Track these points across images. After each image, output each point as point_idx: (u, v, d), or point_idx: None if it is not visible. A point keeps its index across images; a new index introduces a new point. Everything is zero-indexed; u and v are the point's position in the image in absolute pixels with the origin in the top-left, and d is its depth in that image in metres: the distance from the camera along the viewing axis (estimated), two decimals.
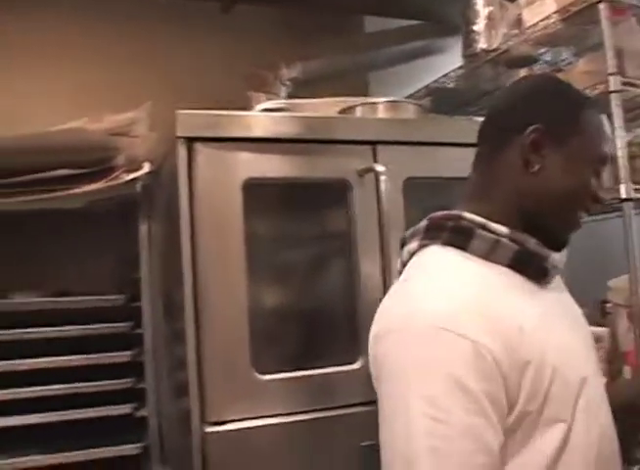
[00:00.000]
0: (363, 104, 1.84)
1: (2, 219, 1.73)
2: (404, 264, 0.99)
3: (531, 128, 0.96)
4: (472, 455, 0.79)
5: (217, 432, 1.44)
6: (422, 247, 0.96)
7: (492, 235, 0.93)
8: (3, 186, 1.64)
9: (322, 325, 1.71)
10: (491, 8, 2.10)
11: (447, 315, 0.84)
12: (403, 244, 1.01)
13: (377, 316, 0.92)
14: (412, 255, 0.98)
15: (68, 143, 1.70)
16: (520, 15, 2.02)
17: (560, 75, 1.99)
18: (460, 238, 0.94)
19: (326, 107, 1.89)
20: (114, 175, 1.71)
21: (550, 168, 0.96)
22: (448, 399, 0.80)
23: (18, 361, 1.74)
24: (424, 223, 0.98)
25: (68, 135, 1.73)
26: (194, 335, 1.47)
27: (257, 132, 1.60)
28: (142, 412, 1.80)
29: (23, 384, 1.73)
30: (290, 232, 1.77)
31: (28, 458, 1.74)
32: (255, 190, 1.58)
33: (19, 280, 1.90)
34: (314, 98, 1.93)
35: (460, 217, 0.95)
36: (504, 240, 0.93)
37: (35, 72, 2.17)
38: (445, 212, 0.97)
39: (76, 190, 1.67)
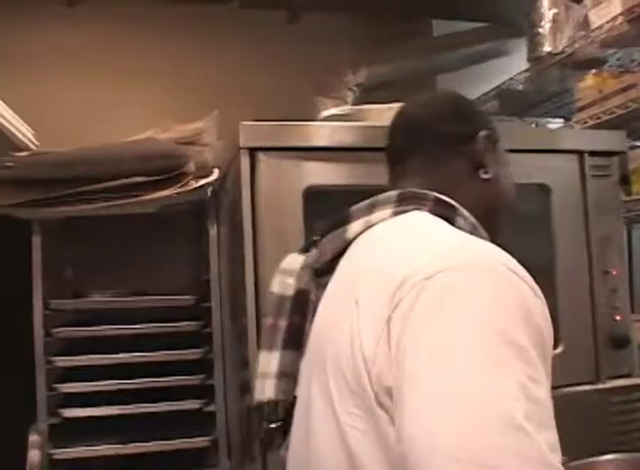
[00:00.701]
0: None
1: (83, 224, 1.85)
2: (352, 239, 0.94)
3: (482, 134, 1.00)
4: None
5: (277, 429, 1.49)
6: (397, 213, 0.92)
7: (472, 219, 0.93)
8: (83, 193, 1.75)
9: None
10: (556, 10, 2.09)
11: (506, 258, 0.78)
12: (343, 222, 0.98)
13: (396, 262, 0.80)
14: (373, 224, 0.93)
15: (141, 152, 1.80)
16: (586, 16, 2.01)
17: (629, 77, 1.98)
18: (447, 211, 0.92)
19: (391, 112, 1.92)
20: (184, 182, 1.80)
21: (494, 173, 1.00)
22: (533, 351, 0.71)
23: (97, 356, 1.85)
24: (393, 193, 0.95)
25: (140, 145, 1.84)
26: (255, 338, 1.54)
27: (318, 141, 1.65)
28: (210, 408, 1.89)
29: (102, 377, 1.85)
30: None
31: (106, 447, 1.85)
32: (316, 198, 1.64)
33: (98, 280, 2.04)
34: (381, 103, 1.97)
35: (436, 196, 0.93)
36: (480, 228, 0.93)
37: (111, 84, 2.30)
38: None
39: (149, 196, 1.77)
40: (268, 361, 0.99)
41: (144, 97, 2.32)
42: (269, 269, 1.56)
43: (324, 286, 0.97)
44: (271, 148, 1.60)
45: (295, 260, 1.06)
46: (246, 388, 1.58)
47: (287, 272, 1.04)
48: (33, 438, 1.79)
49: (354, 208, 0.98)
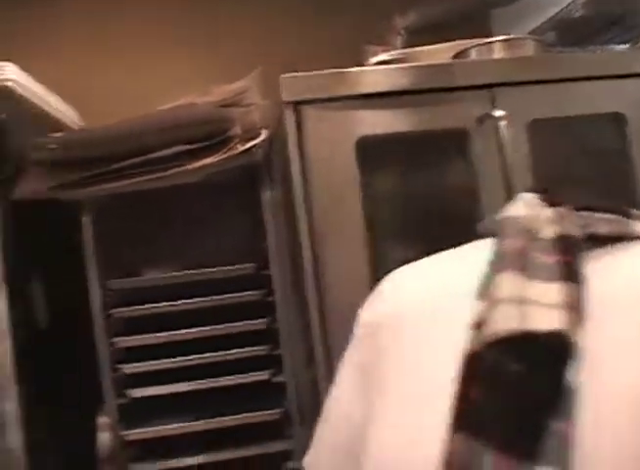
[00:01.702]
0: (478, 45, 1.73)
1: (130, 200, 1.79)
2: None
3: None
4: None
5: None
6: None
7: None
8: (126, 169, 1.69)
9: None
10: None
11: None
12: (622, 212, 0.80)
13: None
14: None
15: (182, 119, 1.72)
16: None
17: None
18: None
19: (442, 53, 1.81)
20: (230, 146, 1.72)
21: None
22: None
23: (160, 334, 1.81)
24: None
25: (181, 112, 1.76)
26: (316, 300, 1.46)
27: (365, 88, 1.55)
28: (279, 378, 1.83)
29: (166, 355, 1.80)
30: (408, 188, 1.71)
31: (178, 425, 1.82)
32: (369, 148, 1.54)
33: (153, 257, 1.99)
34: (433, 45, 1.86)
35: None
36: None
37: (150, 54, 2.24)
38: None
39: (194, 165, 1.69)
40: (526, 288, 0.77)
41: (183, 63, 2.24)
42: (325, 229, 1.49)
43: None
44: (317, 100, 1.51)
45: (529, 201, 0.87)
46: (312, 357, 1.52)
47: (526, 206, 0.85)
48: (102, 420, 1.76)
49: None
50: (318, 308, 1.45)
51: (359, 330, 0.84)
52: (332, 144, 1.51)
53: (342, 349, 1.42)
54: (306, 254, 1.48)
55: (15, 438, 1.81)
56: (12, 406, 1.79)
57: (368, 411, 0.76)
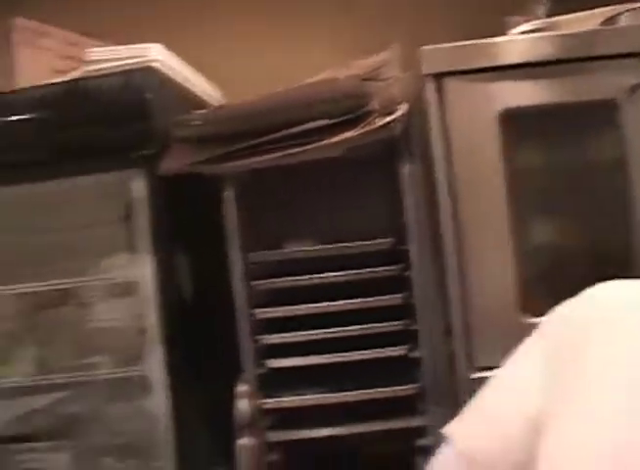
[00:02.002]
0: (628, 11, 1.63)
1: (271, 174, 1.83)
2: None
3: None
4: None
5: (484, 378, 1.39)
6: None
7: None
8: (267, 144, 1.72)
9: (593, 262, 1.58)
10: None
11: None
12: None
13: None
14: None
15: (321, 94, 1.73)
16: None
17: None
18: None
19: (589, 20, 1.72)
20: (368, 121, 1.71)
21: None
22: None
23: (300, 306, 1.84)
24: None
25: (319, 86, 1.77)
26: (457, 276, 1.44)
27: (509, 59, 1.50)
28: (415, 354, 1.82)
29: (304, 328, 1.83)
30: (553, 162, 1.64)
31: (315, 396, 1.85)
32: (513, 121, 1.49)
33: (292, 231, 2.02)
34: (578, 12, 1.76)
35: None
36: None
37: (288, 30, 2.25)
38: None
39: (334, 139, 1.69)
40: None
41: (322, 38, 2.25)
42: (466, 204, 1.46)
43: None
44: (458, 72, 1.48)
45: None
46: (450, 333, 1.50)
47: None
48: (241, 388, 1.81)
49: None
50: (459, 285, 1.42)
51: (557, 325, 0.81)
52: (474, 117, 1.47)
53: (482, 326, 1.40)
54: (447, 230, 1.46)
55: (160, 402, 1.90)
56: (158, 372, 1.89)
57: (549, 408, 0.75)
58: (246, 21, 2.40)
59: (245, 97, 1.92)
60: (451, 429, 0.88)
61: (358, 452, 2.15)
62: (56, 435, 2.18)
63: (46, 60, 2.26)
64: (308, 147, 1.69)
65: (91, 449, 2.17)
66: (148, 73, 1.90)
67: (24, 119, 1.97)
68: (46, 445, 2.13)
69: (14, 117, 1.98)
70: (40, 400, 2.23)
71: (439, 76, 1.47)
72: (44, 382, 2.17)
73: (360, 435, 1.88)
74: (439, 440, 0.90)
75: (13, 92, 2.04)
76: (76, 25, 2.34)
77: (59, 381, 2.16)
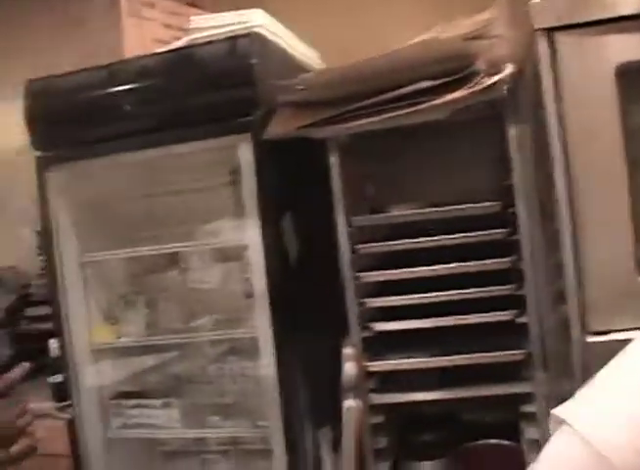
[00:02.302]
0: None
1: (377, 139, 1.82)
2: None
3: None
4: None
5: (599, 342, 1.36)
6: None
7: None
8: (370, 107, 1.70)
9: None
10: None
11: None
12: None
13: None
14: None
15: (425, 55, 1.70)
16: None
17: None
18: None
19: None
20: (475, 81, 1.67)
21: None
22: None
23: (404, 270, 1.83)
24: None
25: (423, 47, 1.73)
26: (570, 240, 1.39)
27: (625, 9, 1.41)
28: (523, 319, 1.78)
29: (409, 292, 1.83)
30: None
31: (420, 360, 1.84)
32: (630, 75, 1.42)
33: (397, 195, 2.01)
34: None
35: None
36: None
37: None
38: None
39: (439, 101, 1.66)
40: None
41: None
42: (579, 164, 1.40)
43: None
44: (571, 25, 1.41)
45: None
46: (562, 298, 1.46)
47: None
48: (347, 351, 1.83)
49: None
50: (572, 248, 1.38)
51: None
52: (588, 73, 1.40)
53: (596, 289, 1.36)
54: (560, 191, 1.41)
55: (267, 363, 1.94)
56: (265, 334, 1.92)
57: None
58: None
59: (342, 61, 1.92)
60: (570, 413, 0.80)
61: (460, 418, 2.16)
62: (165, 393, 2.27)
63: (150, 29, 2.31)
64: (414, 109, 1.67)
65: (199, 407, 2.25)
66: (252, 39, 1.91)
67: (133, 88, 2.03)
68: (157, 401, 2.22)
69: (123, 87, 2.04)
70: (150, 360, 2.33)
71: (551, 31, 1.41)
72: (154, 342, 2.26)
73: (463, 400, 1.87)
74: (547, 412, 0.85)
75: (121, 62, 2.09)
76: None
77: (168, 342, 2.25)
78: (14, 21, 3.02)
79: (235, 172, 1.97)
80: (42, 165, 2.13)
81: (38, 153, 2.15)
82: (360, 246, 1.84)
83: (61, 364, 2.14)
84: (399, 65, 1.74)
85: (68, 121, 2.08)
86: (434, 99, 1.69)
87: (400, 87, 1.69)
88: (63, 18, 2.70)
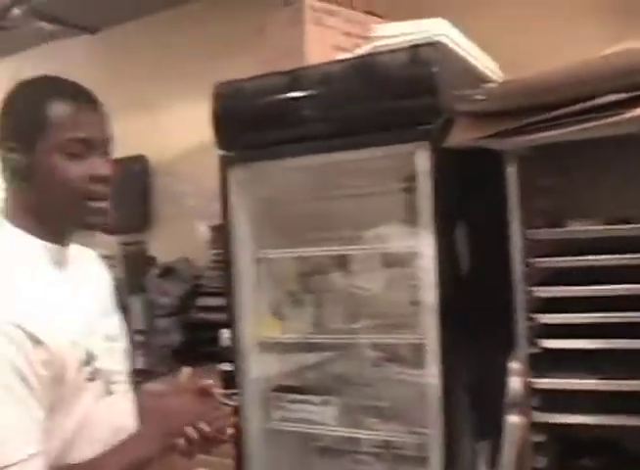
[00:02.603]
0: None
1: (558, 151, 1.78)
2: None
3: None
4: None
5: None
6: None
7: None
8: (555, 118, 1.67)
9: None
10: None
11: None
12: None
13: None
14: None
15: (617, 67, 1.64)
16: None
17: None
18: None
19: None
20: None
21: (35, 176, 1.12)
22: None
23: (580, 288, 1.78)
24: None
25: (615, 59, 1.68)
26: None
27: None
28: None
29: (583, 310, 1.77)
30: None
31: (588, 381, 1.78)
32: None
33: (576, 208, 1.95)
34: None
35: None
36: None
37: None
38: None
39: (629, 114, 1.60)
40: None
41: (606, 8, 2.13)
42: None
43: None
44: None
45: None
46: None
47: None
48: (514, 365, 1.80)
49: None
50: None
51: None
52: None
53: None
54: None
55: (431, 371, 1.95)
56: (432, 341, 1.93)
57: None
58: None
59: (521, 73, 1.89)
60: None
61: (622, 445, 2.06)
62: (324, 390, 2.32)
63: (331, 37, 2.37)
64: (602, 122, 1.62)
65: (356, 408, 2.29)
66: (434, 48, 1.93)
67: (315, 94, 2.10)
68: (316, 398, 2.28)
69: (305, 92, 2.11)
70: (313, 357, 2.39)
71: None
72: (317, 341, 2.32)
73: (629, 427, 1.79)
74: None
75: (304, 68, 2.17)
76: (358, 3, 2.44)
77: (331, 341, 2.31)
78: (197, 28, 3.20)
79: (410, 179, 1.99)
80: (225, 164, 2.24)
81: (222, 152, 2.27)
82: (535, 259, 1.81)
83: (230, 354, 2.24)
84: (589, 76, 1.69)
85: (252, 124, 2.18)
86: (622, 112, 1.63)
87: (589, 99, 1.65)
88: (244, 26, 2.83)
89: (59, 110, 1.12)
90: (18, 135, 1.13)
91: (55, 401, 1.09)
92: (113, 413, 1.20)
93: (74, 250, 1.26)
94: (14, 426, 1.03)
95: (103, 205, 1.17)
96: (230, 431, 1.27)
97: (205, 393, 1.29)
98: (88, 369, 1.13)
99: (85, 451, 1.14)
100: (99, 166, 1.15)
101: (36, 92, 1.16)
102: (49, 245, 1.16)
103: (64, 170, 1.12)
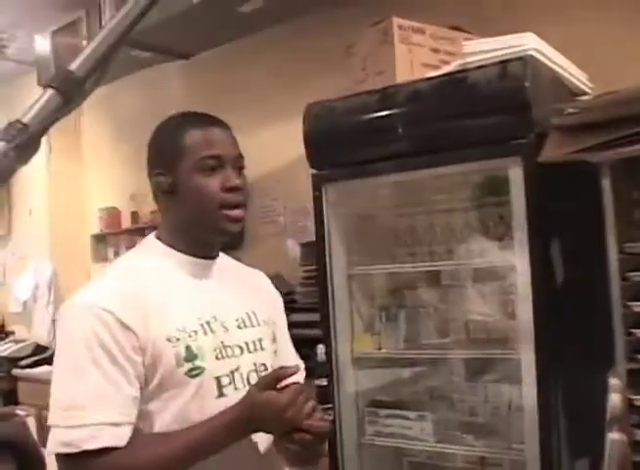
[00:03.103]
0: None
1: None
2: None
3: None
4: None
5: None
6: None
7: None
8: None
9: None
10: None
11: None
12: None
13: None
14: None
15: None
16: None
17: None
18: None
19: None
20: None
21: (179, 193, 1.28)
22: None
23: None
24: None
25: None
26: None
27: None
28: None
29: None
30: None
31: None
32: None
33: None
34: None
35: None
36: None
37: None
38: None
39: None
40: None
41: None
42: None
43: None
44: None
45: None
46: None
47: None
48: (614, 381, 1.77)
49: None
50: None
51: None
52: None
53: None
54: None
55: (529, 386, 1.93)
56: (528, 357, 1.91)
57: None
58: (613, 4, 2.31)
59: (611, 83, 1.87)
60: None
61: None
62: (419, 406, 2.33)
63: (419, 54, 2.40)
64: None
65: (451, 423, 2.28)
66: (525, 62, 1.93)
67: (405, 111, 2.12)
68: (411, 413, 2.28)
69: (396, 110, 2.14)
70: (406, 372, 2.41)
71: None
72: (411, 355, 2.34)
73: None
74: None
75: (395, 86, 2.20)
76: (444, 20, 2.46)
77: (424, 356, 2.32)
78: (284, 50, 3.28)
79: (503, 193, 1.99)
80: (318, 182, 2.30)
81: (313, 171, 2.32)
82: (633, 273, 1.78)
83: (325, 369, 2.27)
84: None
85: (344, 142, 2.23)
86: None
87: None
88: (332, 47, 2.88)
89: (193, 136, 1.28)
90: (162, 162, 1.30)
91: (155, 388, 1.19)
92: None
93: (236, 267, 1.45)
94: (95, 396, 1.14)
95: (237, 212, 1.28)
96: (325, 424, 1.25)
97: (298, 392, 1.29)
98: (189, 365, 1.21)
99: None
100: (231, 178, 1.28)
101: (174, 125, 1.33)
102: (190, 258, 1.30)
103: (200, 184, 1.26)
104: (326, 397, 2.25)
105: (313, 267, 2.48)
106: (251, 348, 1.34)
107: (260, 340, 1.36)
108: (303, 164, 2.36)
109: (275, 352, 1.42)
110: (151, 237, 1.35)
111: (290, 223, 3.37)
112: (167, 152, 1.29)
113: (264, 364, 1.35)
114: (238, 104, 3.40)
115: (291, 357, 1.47)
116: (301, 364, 1.49)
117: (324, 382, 2.24)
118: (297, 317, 2.98)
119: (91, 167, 4.61)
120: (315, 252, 2.35)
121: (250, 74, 3.47)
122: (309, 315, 2.74)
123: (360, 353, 2.33)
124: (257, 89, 3.44)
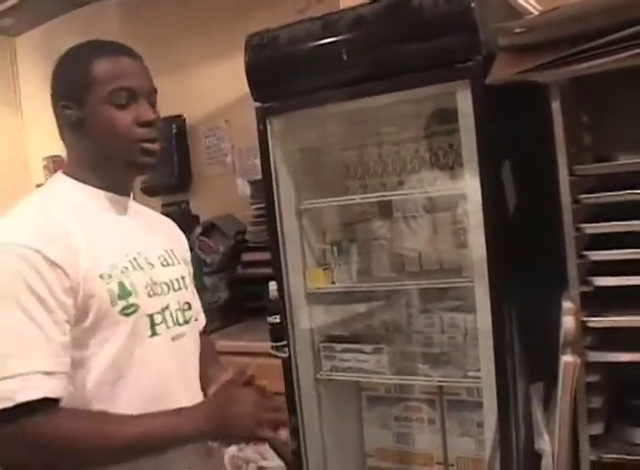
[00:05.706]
0: None
1: (600, 82, 1.72)
2: None
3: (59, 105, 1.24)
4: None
5: None
6: None
7: None
8: (595, 48, 1.60)
9: None
10: None
11: None
12: None
13: None
14: None
15: None
16: None
17: None
18: None
19: None
20: None
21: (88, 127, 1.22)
22: None
23: (629, 222, 1.71)
24: None
25: None
26: None
27: None
28: None
29: (634, 245, 1.72)
30: None
31: (637, 318, 1.74)
32: None
33: (622, 143, 1.89)
34: None
35: None
36: None
37: None
38: None
39: None
40: None
41: None
42: None
43: None
44: None
45: None
46: None
47: None
48: (567, 305, 1.77)
49: None
50: None
51: None
52: None
53: None
54: None
55: (483, 313, 1.92)
56: (482, 284, 1.90)
57: None
58: None
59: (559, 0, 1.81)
60: None
61: None
62: (375, 339, 2.32)
63: None
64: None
65: (407, 355, 2.28)
66: None
67: (349, 38, 2.04)
68: (368, 347, 2.28)
69: (339, 37, 2.06)
70: (361, 307, 2.39)
71: None
72: (365, 289, 2.32)
73: None
74: None
75: (337, 12, 2.12)
76: None
77: (378, 289, 2.30)
78: None
79: (452, 121, 1.95)
80: (262, 116, 2.22)
81: (258, 104, 2.24)
82: (583, 196, 1.76)
83: (278, 306, 2.24)
84: (627, 3, 1.61)
85: (287, 73, 2.14)
86: None
87: (628, 27, 1.58)
88: None
89: (101, 66, 1.22)
90: (68, 94, 1.23)
91: (87, 330, 1.14)
92: (155, 356, 1.22)
93: (145, 210, 1.41)
94: (23, 343, 1.08)
95: (151, 146, 1.25)
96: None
97: (259, 389, 1.29)
98: (123, 303, 1.17)
99: (133, 398, 1.17)
100: (144, 112, 1.24)
101: (80, 55, 1.27)
102: (106, 193, 1.27)
103: (112, 119, 1.21)
104: (280, 333, 2.23)
105: (263, 205, 2.42)
106: (176, 286, 1.31)
107: (183, 278, 1.35)
108: (251, 102, 2.28)
109: (194, 292, 1.41)
110: (59, 173, 1.29)
111: (239, 163, 3.30)
112: (74, 83, 1.23)
113: (188, 303, 1.34)
114: (181, 41, 3.28)
115: (197, 303, 1.46)
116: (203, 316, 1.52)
117: (277, 319, 2.21)
118: (250, 256, 2.96)
119: (31, 116, 4.43)
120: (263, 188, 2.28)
121: (191, 9, 3.34)
122: (261, 254, 2.71)
123: (313, 289, 2.29)
124: (200, 24, 3.30)
